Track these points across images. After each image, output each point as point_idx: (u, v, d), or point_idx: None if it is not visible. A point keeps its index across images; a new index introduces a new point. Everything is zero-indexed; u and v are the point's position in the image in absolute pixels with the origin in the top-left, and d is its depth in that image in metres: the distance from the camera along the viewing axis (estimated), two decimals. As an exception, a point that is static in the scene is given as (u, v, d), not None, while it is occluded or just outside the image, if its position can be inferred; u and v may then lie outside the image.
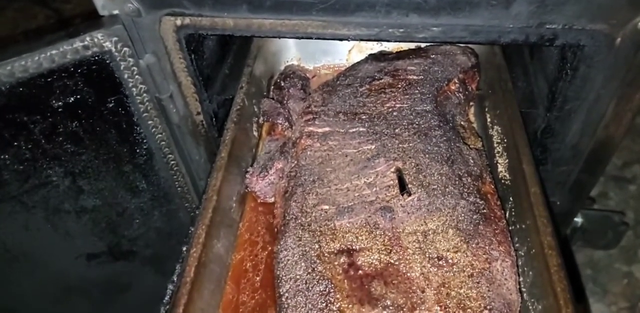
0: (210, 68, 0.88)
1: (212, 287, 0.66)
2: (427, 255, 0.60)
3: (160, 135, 0.82)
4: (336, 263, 0.61)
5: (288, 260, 0.64)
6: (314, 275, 0.60)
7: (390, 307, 0.56)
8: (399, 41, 0.60)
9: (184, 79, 0.78)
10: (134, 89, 0.74)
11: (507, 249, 0.62)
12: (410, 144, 0.69)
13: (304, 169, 0.72)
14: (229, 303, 0.68)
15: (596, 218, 0.95)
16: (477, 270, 0.59)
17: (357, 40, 0.61)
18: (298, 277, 0.62)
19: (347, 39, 0.62)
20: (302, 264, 0.62)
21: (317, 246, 0.63)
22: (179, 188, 0.92)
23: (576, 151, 0.69)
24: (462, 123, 0.77)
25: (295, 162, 0.75)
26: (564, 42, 0.56)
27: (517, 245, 0.65)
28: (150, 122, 0.79)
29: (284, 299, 0.61)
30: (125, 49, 0.69)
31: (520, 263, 0.63)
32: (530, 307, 0.60)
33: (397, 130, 0.71)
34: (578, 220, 0.94)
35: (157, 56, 0.74)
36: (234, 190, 0.75)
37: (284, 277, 0.62)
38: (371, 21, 0.59)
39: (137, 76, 0.73)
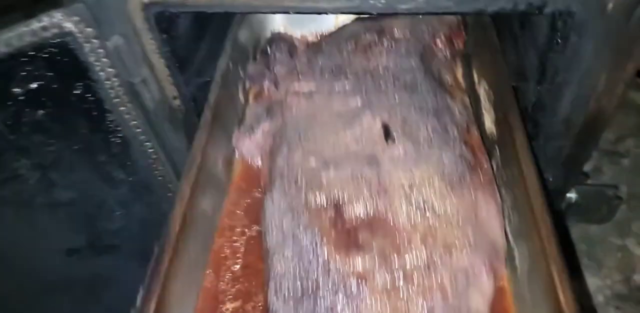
0: (186, 49, 0.83)
1: (199, 243, 0.66)
2: (414, 204, 0.60)
3: (135, 122, 0.77)
4: (323, 214, 0.61)
5: (275, 212, 0.64)
6: (301, 226, 0.61)
7: (376, 253, 0.57)
8: (382, 13, 0.56)
9: (156, 61, 0.74)
10: (101, 74, 0.69)
11: (493, 197, 0.63)
12: (396, 99, 0.69)
13: (289, 126, 0.72)
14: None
15: (590, 193, 0.94)
16: (462, 216, 0.59)
17: (337, 13, 0.57)
18: (285, 228, 0.62)
19: (326, 12, 0.58)
20: (289, 215, 0.62)
21: (303, 198, 0.63)
22: (160, 178, 0.88)
23: (568, 125, 0.66)
24: (448, 79, 0.76)
25: (281, 120, 0.75)
26: (553, 9, 0.54)
27: (503, 193, 0.66)
28: (122, 108, 0.74)
29: (271, 250, 0.61)
30: (88, 29, 0.65)
31: (505, 209, 0.64)
32: (516, 250, 0.60)
33: (383, 87, 0.71)
34: (572, 195, 0.93)
35: (126, 37, 0.70)
36: (219, 152, 0.75)
37: (270, 229, 0.63)
38: (351, -8, 0.55)
39: (104, 59, 0.68)
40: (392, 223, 0.59)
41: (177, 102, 0.81)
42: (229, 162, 0.79)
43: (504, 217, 0.63)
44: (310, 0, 0.57)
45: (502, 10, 0.54)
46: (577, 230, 1.69)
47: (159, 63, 0.74)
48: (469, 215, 0.60)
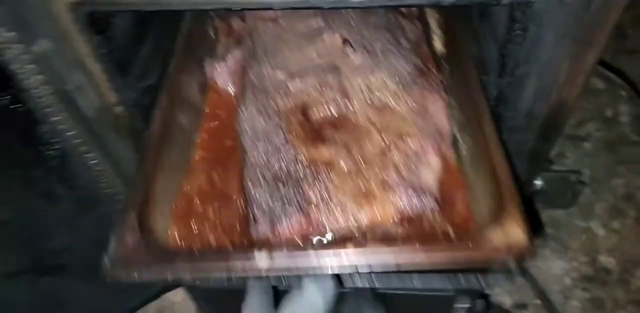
0: (126, 50, 0.77)
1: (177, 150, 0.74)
2: (372, 104, 0.70)
3: (72, 133, 0.71)
4: (291, 116, 0.70)
5: (247, 117, 0.72)
6: (272, 126, 0.70)
7: (340, 144, 0.66)
8: (334, 7, 0.52)
9: (92, 65, 0.68)
10: (29, 81, 0.63)
11: (440, 95, 0.73)
12: (354, 19, 0.79)
13: (258, 47, 0.81)
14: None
15: (554, 180, 0.94)
16: (413, 111, 0.70)
17: (284, 8, 0.53)
18: (257, 129, 0.71)
19: (271, 7, 0.54)
20: (260, 119, 0.71)
21: (273, 104, 0.72)
22: (107, 191, 0.82)
23: (531, 117, 0.65)
24: (403, 10, 0.85)
25: (251, 45, 0.83)
26: (512, 0, 0.51)
27: (449, 95, 0.75)
28: (56, 118, 0.68)
29: (247, 150, 0.69)
30: (9, 34, 0.58)
31: (451, 109, 0.73)
32: (460, 138, 0.70)
33: (343, 11, 0.81)
34: (537, 182, 0.93)
35: (54, 41, 0.63)
36: (194, 78, 0.83)
37: (244, 132, 0.71)
38: (297, -15, 0.51)
39: (29, 66, 0.62)
40: (353, 121, 0.69)
41: (119, 109, 0.75)
42: (204, 89, 0.85)
43: (450, 114, 0.73)
44: (255, -6, 0.52)
45: (460, 1, 0.51)
46: (544, 215, 1.72)
47: (95, 67, 0.68)
48: (419, 109, 0.70)
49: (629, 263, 1.63)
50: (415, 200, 0.61)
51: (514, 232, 0.52)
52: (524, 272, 1.60)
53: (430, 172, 0.65)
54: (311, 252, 0.54)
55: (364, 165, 0.64)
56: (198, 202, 0.70)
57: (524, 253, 0.52)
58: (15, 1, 0.57)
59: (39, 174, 0.72)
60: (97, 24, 0.66)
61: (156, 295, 1.01)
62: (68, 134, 0.71)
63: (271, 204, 0.62)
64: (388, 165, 0.64)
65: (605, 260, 1.65)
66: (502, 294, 1.58)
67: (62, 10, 0.60)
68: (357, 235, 0.61)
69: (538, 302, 1.54)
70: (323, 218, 0.60)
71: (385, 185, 0.62)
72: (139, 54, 0.79)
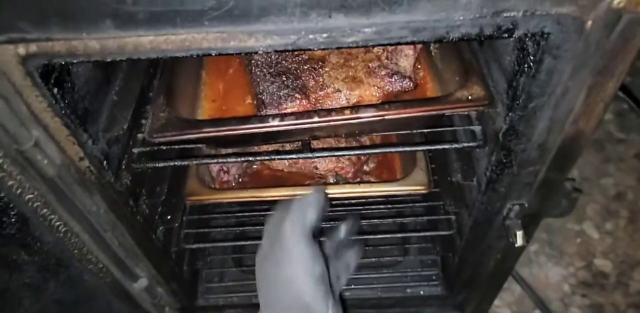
0: (89, 99, 0.68)
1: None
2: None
3: (31, 196, 0.62)
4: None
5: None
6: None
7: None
8: (324, 48, 0.46)
9: (49, 120, 0.59)
10: (-27, 146, 0.54)
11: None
12: None
13: None
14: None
15: None
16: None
17: (270, 51, 0.46)
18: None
19: (256, 51, 0.47)
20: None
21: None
22: (75, 251, 0.73)
23: (543, 150, 0.59)
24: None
25: None
26: (525, 32, 0.45)
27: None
28: (11, 182, 0.59)
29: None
30: (-55, 94, 0.49)
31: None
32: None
33: None
34: None
35: (4, 97, 0.55)
36: None
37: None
38: (285, 27, 0.44)
39: (-27, 127, 0.53)
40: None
41: (85, 164, 0.66)
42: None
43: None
44: (235, 39, 0.45)
45: (467, 36, 0.45)
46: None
47: (54, 122, 0.60)
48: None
49: (625, 265, 1.61)
50: (395, 81, 0.72)
51: (476, 90, 0.62)
52: (522, 282, 1.57)
53: (406, 61, 0.76)
54: (314, 115, 0.62)
55: (351, 58, 0.75)
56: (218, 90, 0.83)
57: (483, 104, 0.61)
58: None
59: (-4, 244, 0.63)
60: (54, 75, 0.58)
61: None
62: (26, 197, 0.62)
63: (276, 92, 0.72)
64: (372, 58, 0.76)
65: (602, 263, 1.63)
66: (501, 306, 1.54)
67: (10, 63, 0.52)
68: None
69: (538, 312, 1.52)
70: (320, 99, 0.71)
71: (370, 72, 0.73)
72: (105, 99, 0.71)
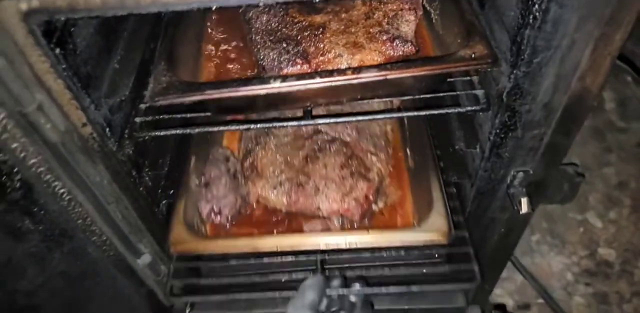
0: (91, 64, 0.68)
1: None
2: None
3: (35, 160, 0.62)
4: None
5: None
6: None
7: (331, 12, 0.77)
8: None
9: (52, 83, 0.59)
10: (-23, 105, 0.54)
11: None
12: None
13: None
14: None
15: None
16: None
17: (271, 2, 0.46)
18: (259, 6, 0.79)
19: (257, 3, 0.47)
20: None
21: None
22: (79, 221, 0.73)
23: (549, 110, 0.59)
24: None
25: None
26: (530, -22, 0.45)
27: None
28: (15, 145, 0.59)
29: (251, 21, 0.77)
30: (-51, 50, 0.49)
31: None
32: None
33: None
34: None
35: (7, 56, 0.55)
36: None
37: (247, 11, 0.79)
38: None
39: (-21, 86, 0.53)
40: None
41: (88, 130, 0.66)
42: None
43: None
44: (237, -13, 0.45)
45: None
46: (536, 209, 1.68)
47: (57, 85, 0.59)
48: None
49: (629, 254, 1.60)
50: (397, 46, 0.71)
51: (479, 49, 0.61)
52: (524, 270, 1.56)
53: (407, 26, 0.76)
54: (316, 75, 0.62)
55: (352, 25, 0.75)
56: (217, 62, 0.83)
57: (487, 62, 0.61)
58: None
59: (0, 209, 0.63)
60: (55, 35, 0.58)
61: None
62: (30, 162, 0.62)
63: (277, 58, 0.71)
64: (372, 24, 0.75)
65: (605, 252, 1.62)
66: (503, 295, 1.53)
67: (12, 20, 0.52)
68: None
69: (541, 301, 1.50)
70: (321, 64, 0.70)
71: (371, 37, 0.73)
72: (107, 66, 0.71)
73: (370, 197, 0.84)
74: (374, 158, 0.89)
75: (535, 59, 0.52)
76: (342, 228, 0.85)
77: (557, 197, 1.00)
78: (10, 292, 0.71)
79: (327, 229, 0.84)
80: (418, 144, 0.91)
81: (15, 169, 0.61)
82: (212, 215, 0.86)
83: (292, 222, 0.89)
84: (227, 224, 0.87)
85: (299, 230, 0.86)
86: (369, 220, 0.86)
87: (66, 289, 0.78)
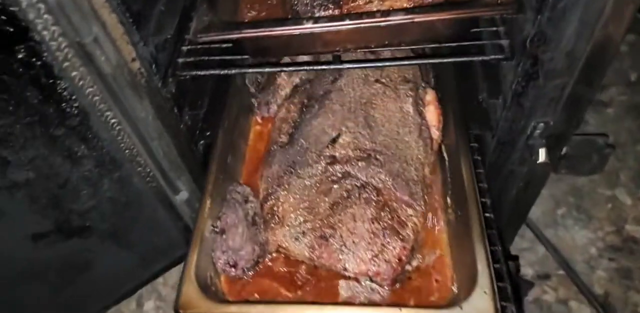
0: (141, 3, 0.74)
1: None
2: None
3: (91, 89, 0.69)
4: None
5: None
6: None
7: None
8: None
9: (107, 16, 0.65)
10: (45, 33, 0.60)
11: None
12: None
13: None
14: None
15: (579, 143, 0.89)
16: None
17: None
18: None
19: None
20: None
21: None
22: (126, 151, 0.80)
23: (572, 59, 0.60)
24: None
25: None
26: None
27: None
28: (75, 73, 0.66)
29: None
30: (23, -19, 0.55)
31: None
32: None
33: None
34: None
35: (68, -11, 0.61)
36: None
37: None
38: None
39: (46, 16, 0.59)
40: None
41: (136, 65, 0.72)
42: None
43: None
44: None
45: None
46: (564, 184, 1.66)
47: (111, 19, 0.65)
48: None
49: (657, 233, 1.58)
50: None
51: None
52: (546, 242, 1.56)
53: None
54: (346, 18, 0.65)
55: None
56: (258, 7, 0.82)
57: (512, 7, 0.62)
58: (25, -55, 0.55)
59: (59, 133, 0.70)
60: (111, -27, 0.63)
61: (180, 259, 1.00)
62: (87, 90, 0.69)
63: (310, 2, 0.72)
64: None
65: (633, 229, 1.58)
66: (524, 265, 1.54)
67: (74, -43, 0.58)
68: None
69: (562, 272, 1.49)
70: (352, 10, 0.70)
71: None
72: (155, 7, 0.76)
73: (404, 259, 0.74)
74: (409, 210, 0.77)
75: (559, 4, 0.54)
76: (371, 292, 0.74)
77: (586, 167, 1.01)
78: (67, 212, 0.80)
79: (352, 297, 0.75)
80: (460, 191, 0.79)
81: (74, 97, 0.68)
82: (227, 267, 0.78)
83: (316, 276, 0.80)
84: (244, 276, 0.79)
85: (324, 289, 0.78)
86: (401, 283, 0.76)
87: (114, 214, 0.87)
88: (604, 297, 1.46)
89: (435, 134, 0.85)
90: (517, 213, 0.97)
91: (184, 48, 0.81)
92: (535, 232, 1.56)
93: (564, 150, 0.89)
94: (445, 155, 0.87)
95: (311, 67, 0.72)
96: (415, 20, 0.59)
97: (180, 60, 0.80)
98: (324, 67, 0.71)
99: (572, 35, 0.57)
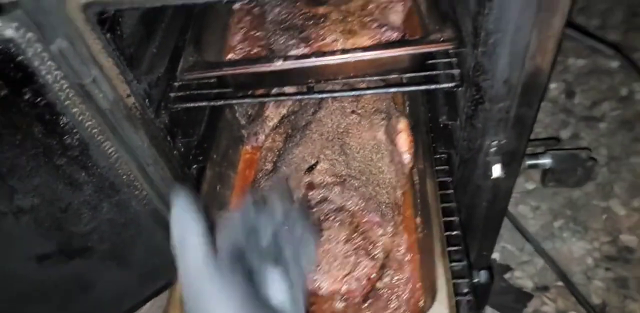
0: (134, 47, 0.84)
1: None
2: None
3: (90, 123, 0.78)
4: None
5: None
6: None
7: (332, 4, 0.93)
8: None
9: (104, 61, 0.75)
10: (48, 77, 0.69)
11: None
12: None
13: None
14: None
15: (563, 157, 0.97)
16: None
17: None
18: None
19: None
20: None
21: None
22: (124, 177, 0.89)
23: (509, 85, 0.69)
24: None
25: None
26: (474, -26, 0.55)
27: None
28: (75, 110, 0.75)
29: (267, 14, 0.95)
30: (29, 34, 0.65)
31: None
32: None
33: None
34: (546, 161, 0.97)
35: (69, 39, 0.70)
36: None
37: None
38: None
39: (49, 63, 0.68)
40: None
41: (131, 100, 0.81)
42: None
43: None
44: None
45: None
46: (560, 197, 1.70)
47: (107, 62, 0.75)
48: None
49: (651, 241, 1.61)
50: (384, 32, 0.83)
51: (448, 33, 0.76)
52: (544, 254, 1.59)
53: (396, 16, 0.89)
54: (312, 56, 0.75)
55: (349, 15, 0.88)
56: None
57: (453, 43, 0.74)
58: (32, 5, 0.64)
59: (61, 162, 0.79)
60: (106, 23, 0.73)
61: (178, 278, 1.07)
62: (86, 124, 0.78)
63: (284, 42, 0.84)
64: (366, 14, 0.88)
65: (627, 238, 1.61)
66: (523, 278, 1.57)
67: (75, 11, 0.67)
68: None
69: (560, 283, 1.51)
70: (321, 48, 0.82)
71: (364, 25, 0.86)
72: (147, 50, 0.86)
73: (373, 277, 0.80)
74: (380, 230, 0.84)
75: (489, 40, 0.62)
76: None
77: (572, 180, 1.08)
78: (69, 234, 0.88)
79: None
80: (426, 212, 0.85)
81: (75, 130, 0.77)
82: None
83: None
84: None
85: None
86: (373, 300, 0.81)
87: (113, 235, 0.94)
88: (602, 306, 1.48)
89: (407, 159, 0.93)
90: (491, 223, 1.03)
91: (176, 84, 0.91)
92: (534, 245, 1.60)
93: (549, 164, 0.96)
94: (415, 178, 0.94)
95: (287, 97, 0.81)
96: (366, 58, 0.68)
97: (172, 94, 0.89)
98: (298, 96, 0.80)
99: (506, 66, 0.65)
